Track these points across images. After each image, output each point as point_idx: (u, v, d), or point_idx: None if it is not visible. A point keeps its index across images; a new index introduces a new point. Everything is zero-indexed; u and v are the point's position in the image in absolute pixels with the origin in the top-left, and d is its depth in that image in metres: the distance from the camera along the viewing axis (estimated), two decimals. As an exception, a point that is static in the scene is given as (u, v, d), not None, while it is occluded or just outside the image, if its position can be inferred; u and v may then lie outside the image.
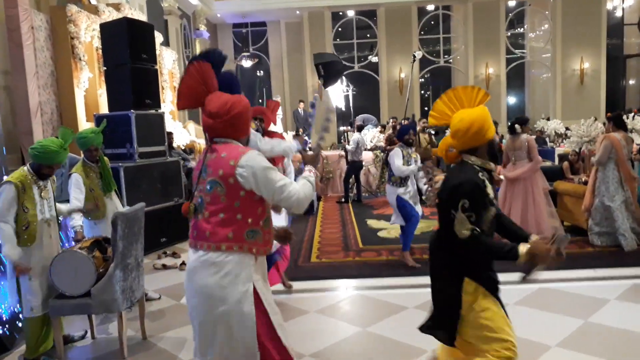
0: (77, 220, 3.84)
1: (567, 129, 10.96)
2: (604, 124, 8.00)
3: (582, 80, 16.93)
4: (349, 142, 9.64)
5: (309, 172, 2.24)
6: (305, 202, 2.11)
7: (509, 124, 6.17)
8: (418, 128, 9.32)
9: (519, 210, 5.73)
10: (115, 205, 4.19)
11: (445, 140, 2.25)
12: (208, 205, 2.06)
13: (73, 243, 3.90)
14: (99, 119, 6.04)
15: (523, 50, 18.04)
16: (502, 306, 2.19)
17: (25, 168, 3.32)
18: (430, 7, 17.79)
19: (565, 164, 7.27)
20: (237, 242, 2.04)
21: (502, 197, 5.92)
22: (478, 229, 2.04)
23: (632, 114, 9.00)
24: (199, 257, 2.06)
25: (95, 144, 4.02)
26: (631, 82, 19.03)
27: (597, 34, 16.72)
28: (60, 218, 3.73)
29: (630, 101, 18.21)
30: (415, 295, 4.30)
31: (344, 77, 13.74)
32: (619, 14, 17.71)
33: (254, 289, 2.07)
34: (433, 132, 9.33)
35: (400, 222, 5.31)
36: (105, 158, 4.19)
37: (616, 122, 5.67)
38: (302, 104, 13.23)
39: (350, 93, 13.96)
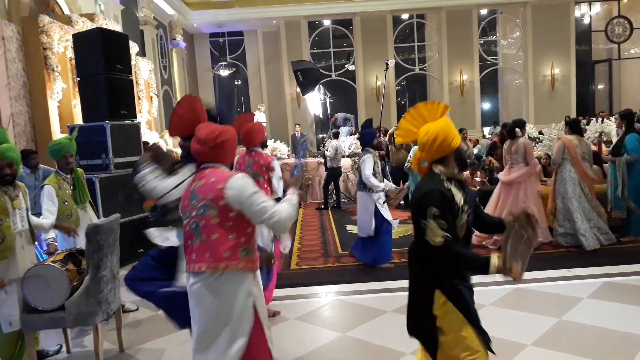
0: (50, 233, 3.78)
1: (540, 132, 11.20)
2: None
3: (553, 86, 17.38)
4: (327, 148, 9.70)
5: (292, 195, 2.38)
6: (286, 223, 2.22)
7: (507, 127, 6.09)
8: (393, 134, 9.42)
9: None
10: (90, 217, 4.13)
11: (416, 154, 2.32)
12: (203, 228, 2.19)
13: (47, 256, 3.83)
14: (72, 130, 5.96)
15: (496, 57, 18.44)
16: (472, 313, 2.18)
17: None
18: (405, 16, 18.07)
19: (538, 167, 7.45)
20: (233, 260, 2.16)
21: (494, 199, 5.89)
22: (450, 236, 2.08)
23: (601, 117, 9.28)
24: (202, 279, 2.18)
25: (71, 151, 3.96)
26: (600, 86, 19.62)
27: (567, 40, 17.22)
28: (41, 233, 3.67)
29: (600, 105, 18.76)
30: (393, 298, 4.34)
31: (321, 85, 13.80)
32: (586, 21, 18.28)
33: (254, 305, 2.21)
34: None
35: (369, 232, 5.24)
36: (79, 169, 4.14)
37: (572, 126, 5.88)
38: (298, 127, 13.02)
39: (327, 101, 14.04)
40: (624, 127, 5.88)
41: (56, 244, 3.82)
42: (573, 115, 15.92)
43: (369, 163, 5.21)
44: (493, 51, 18.64)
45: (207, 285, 2.17)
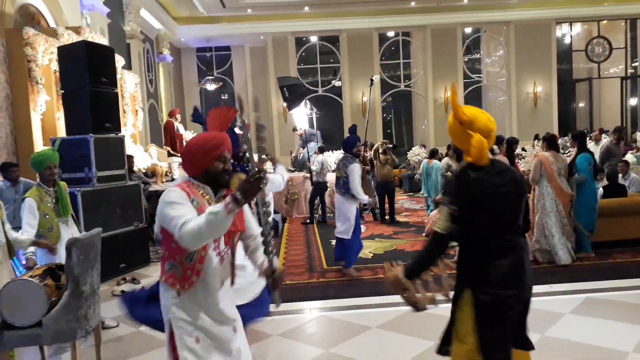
0: (29, 247, 3.70)
1: (523, 149, 11.38)
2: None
3: (535, 103, 17.72)
4: (314, 163, 9.72)
5: (222, 204, 1.85)
6: (198, 240, 1.89)
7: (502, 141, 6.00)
8: (379, 149, 9.45)
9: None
10: (72, 231, 4.07)
11: (484, 142, 2.07)
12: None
13: (25, 270, 3.75)
14: (55, 142, 5.90)
15: (480, 75, 18.77)
16: (488, 327, 2.05)
17: None
18: (391, 34, 18.34)
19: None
20: (163, 274, 2.14)
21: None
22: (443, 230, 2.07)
23: (595, 138, 9.43)
24: None
25: (54, 162, 3.92)
26: (580, 104, 20.05)
27: (548, 59, 17.62)
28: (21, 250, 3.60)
29: (581, 122, 19.15)
30: (378, 314, 4.33)
31: (307, 101, 13.84)
32: (567, 41, 18.74)
33: (170, 323, 2.09)
34: (391, 145, 9.52)
35: (348, 235, 5.40)
36: (62, 182, 4.08)
37: (549, 142, 5.95)
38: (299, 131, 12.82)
39: (314, 116, 14.09)
40: (576, 147, 6.08)
41: (35, 258, 3.74)
42: (555, 132, 16.22)
43: (357, 174, 5.25)
44: (477, 69, 18.98)
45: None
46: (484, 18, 17.33)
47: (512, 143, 5.87)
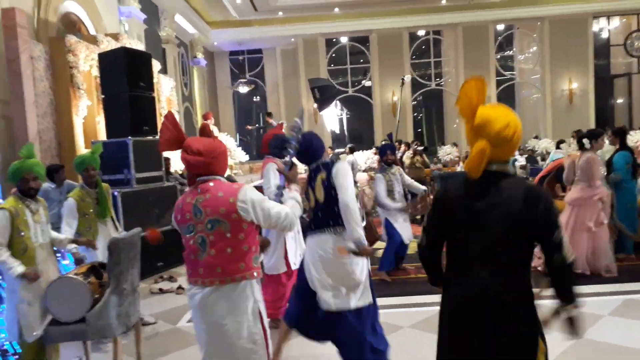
0: (64, 241, 3.81)
1: (557, 147, 11.08)
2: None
3: (571, 100, 17.23)
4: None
5: (295, 191, 2.47)
6: (296, 221, 2.34)
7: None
8: (410, 152, 9.43)
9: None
10: (109, 231, 4.19)
11: (482, 148, 1.83)
12: (212, 243, 2.20)
13: (73, 267, 3.91)
14: (95, 145, 6.12)
15: (513, 72, 18.39)
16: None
17: (14, 195, 3.38)
18: (421, 33, 18.19)
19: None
20: (248, 270, 2.22)
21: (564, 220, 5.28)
22: None
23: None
24: (210, 293, 2.20)
25: (92, 164, 4.08)
26: (619, 100, 19.37)
27: (584, 55, 17.10)
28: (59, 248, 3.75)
29: (620, 119, 18.49)
30: (410, 314, 4.34)
31: (338, 101, 13.90)
32: (604, 35, 18.14)
33: (259, 309, 2.27)
34: (421, 147, 9.49)
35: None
36: (105, 184, 4.24)
37: (579, 143, 5.75)
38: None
39: (344, 116, 14.15)
40: (617, 145, 5.83)
41: (79, 251, 3.86)
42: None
43: (380, 185, 5.32)
44: (510, 66, 18.60)
45: (219, 296, 2.19)
46: (516, 14, 16.97)
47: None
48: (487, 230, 1.78)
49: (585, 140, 5.19)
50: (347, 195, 2.83)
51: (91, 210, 4.06)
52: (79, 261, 3.76)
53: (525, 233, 1.78)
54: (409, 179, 5.59)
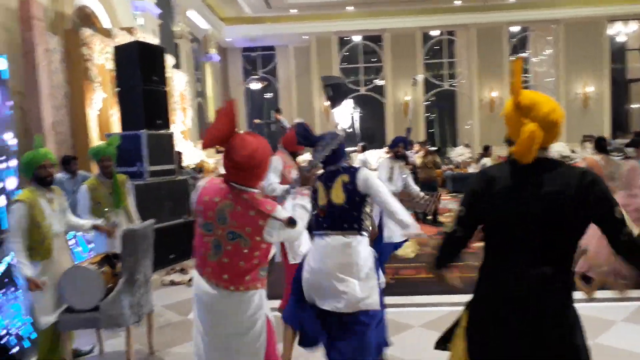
0: (86, 225, 3.85)
1: (572, 151, 11.00)
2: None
3: (585, 104, 17.06)
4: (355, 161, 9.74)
5: (304, 197, 2.42)
6: (303, 230, 2.40)
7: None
8: (422, 152, 9.39)
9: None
10: (122, 223, 4.22)
11: (532, 131, 1.74)
12: (227, 252, 2.17)
13: (90, 254, 3.95)
14: (110, 138, 6.16)
15: (527, 75, 18.24)
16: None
17: (29, 187, 3.41)
18: (435, 33, 18.11)
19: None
20: (254, 282, 2.22)
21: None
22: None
23: None
24: (220, 293, 2.19)
25: (107, 155, 4.12)
26: (635, 105, 19.15)
27: (600, 58, 16.93)
28: (80, 233, 3.80)
29: (636, 124, 18.28)
30: (420, 313, 4.33)
31: (350, 100, 13.92)
32: (620, 39, 17.94)
33: (267, 317, 2.29)
34: (433, 148, 9.43)
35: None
36: (121, 175, 4.27)
37: (597, 146, 5.70)
38: None
39: (356, 115, 14.15)
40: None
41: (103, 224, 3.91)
42: (606, 134, 15.57)
43: (382, 170, 5.24)
44: (524, 69, 18.41)
45: (224, 300, 2.19)
46: (531, 17, 16.85)
47: None
48: (539, 220, 1.71)
49: (630, 149, 5.09)
50: (389, 197, 2.95)
51: (105, 200, 4.10)
52: (108, 231, 3.85)
53: (583, 218, 1.71)
54: (411, 183, 5.43)
